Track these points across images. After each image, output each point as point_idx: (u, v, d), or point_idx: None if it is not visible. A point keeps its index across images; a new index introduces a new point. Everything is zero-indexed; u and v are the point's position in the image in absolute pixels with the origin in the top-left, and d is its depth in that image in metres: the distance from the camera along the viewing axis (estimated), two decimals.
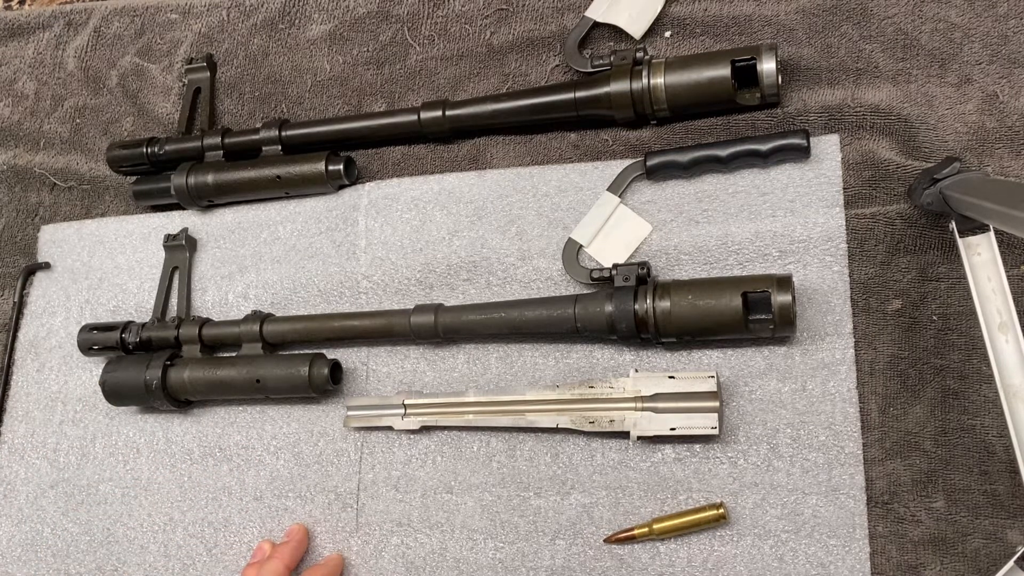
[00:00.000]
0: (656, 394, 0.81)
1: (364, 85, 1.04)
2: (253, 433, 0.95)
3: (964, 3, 0.86)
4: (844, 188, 0.83)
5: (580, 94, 0.90)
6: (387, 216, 0.97)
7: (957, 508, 0.75)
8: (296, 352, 0.95)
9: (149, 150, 1.03)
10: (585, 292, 0.86)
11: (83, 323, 1.03)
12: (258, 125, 1.03)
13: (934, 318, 0.79)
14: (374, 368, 0.93)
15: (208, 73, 1.08)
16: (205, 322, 0.97)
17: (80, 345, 0.99)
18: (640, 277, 0.83)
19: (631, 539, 0.81)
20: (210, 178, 1.00)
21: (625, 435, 0.82)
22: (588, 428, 0.82)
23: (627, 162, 0.90)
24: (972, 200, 0.70)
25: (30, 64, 1.19)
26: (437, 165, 0.98)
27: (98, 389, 0.98)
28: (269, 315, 0.96)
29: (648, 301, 0.80)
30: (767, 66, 0.83)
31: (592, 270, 0.86)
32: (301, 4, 1.08)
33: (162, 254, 1.03)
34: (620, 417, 0.81)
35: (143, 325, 0.98)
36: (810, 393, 0.80)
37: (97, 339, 0.98)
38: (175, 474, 0.96)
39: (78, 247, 1.08)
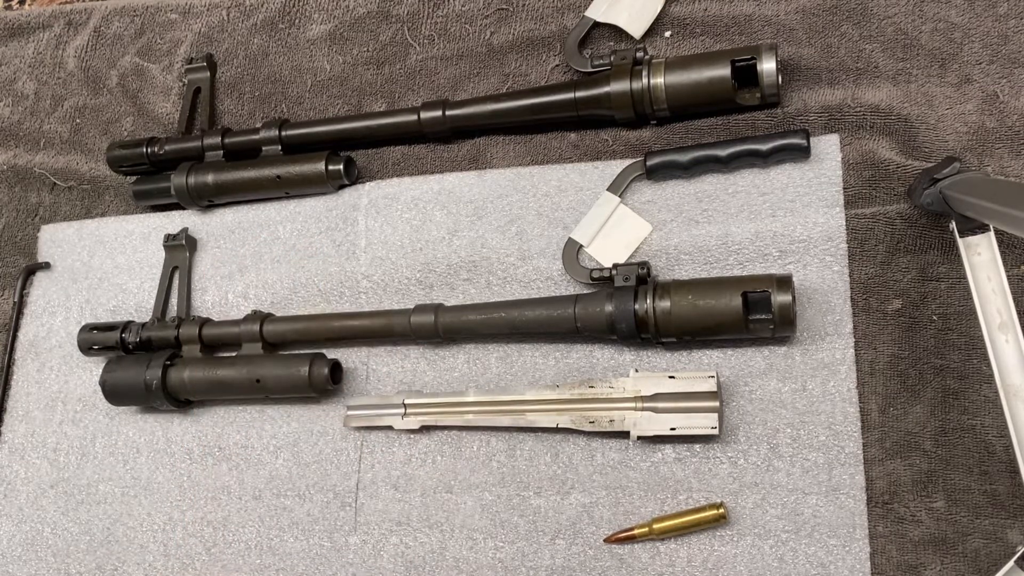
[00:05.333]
0: (656, 394, 0.81)
1: (364, 85, 1.04)
2: (252, 433, 0.95)
3: (964, 3, 0.86)
4: (844, 188, 0.83)
5: (580, 94, 0.90)
6: (387, 216, 0.97)
7: (957, 508, 0.75)
8: (296, 352, 0.95)
9: (149, 150, 1.03)
10: (585, 292, 0.86)
11: (83, 323, 1.03)
12: (258, 125, 1.03)
13: (934, 318, 0.79)
14: (374, 368, 0.93)
15: (208, 73, 1.08)
16: (205, 322, 0.97)
17: (80, 345, 0.99)
18: (640, 277, 0.82)
19: (631, 539, 0.80)
20: (210, 178, 1.00)
21: (625, 435, 0.82)
22: (588, 428, 0.82)
23: (627, 162, 0.90)
24: (972, 200, 0.70)
25: (30, 64, 1.19)
26: (437, 165, 0.98)
27: (98, 389, 0.98)
28: (269, 315, 0.96)
29: (648, 301, 0.80)
30: (767, 66, 0.83)
31: (592, 270, 0.86)
32: (301, 4, 1.08)
33: (162, 254, 1.03)
34: (620, 417, 0.81)
35: (143, 325, 0.98)
36: (810, 393, 0.80)
37: (97, 339, 0.98)
38: (175, 474, 0.96)
39: (78, 247, 1.08)
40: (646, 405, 0.81)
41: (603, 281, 0.85)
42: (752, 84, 0.86)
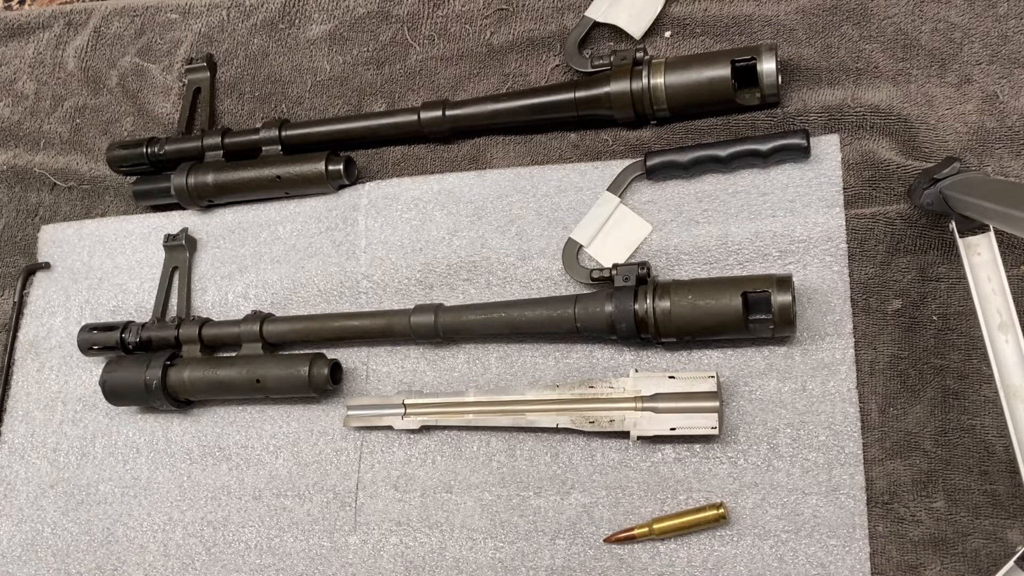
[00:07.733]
0: (656, 394, 0.81)
1: (364, 85, 1.04)
2: (252, 433, 0.95)
3: (964, 3, 0.86)
4: (844, 188, 0.83)
5: (580, 94, 0.90)
6: (387, 216, 0.97)
7: (957, 508, 0.75)
8: (296, 352, 0.95)
9: (149, 150, 1.03)
10: (585, 292, 0.86)
11: (83, 323, 1.03)
12: (258, 125, 1.03)
13: (934, 318, 0.79)
14: (374, 368, 0.93)
15: (208, 73, 1.08)
16: (205, 322, 0.97)
17: (80, 345, 0.99)
18: (640, 277, 0.82)
19: (631, 539, 0.81)
20: (210, 178, 1.00)
21: (625, 435, 0.82)
22: (588, 428, 0.82)
23: (627, 162, 0.90)
24: (972, 200, 0.70)
25: (30, 64, 1.19)
26: (437, 165, 0.98)
27: (98, 389, 0.98)
28: (269, 315, 0.96)
29: (648, 301, 0.80)
30: (767, 66, 0.83)
31: (592, 270, 0.86)
32: (301, 4, 1.08)
33: (162, 254, 1.03)
34: (620, 417, 0.81)
35: (143, 325, 0.98)
36: (810, 393, 0.80)
37: (97, 339, 0.98)
38: (175, 474, 0.96)
39: (78, 247, 1.08)
40: (646, 405, 0.81)
41: (603, 281, 0.85)
42: (752, 84, 0.86)
